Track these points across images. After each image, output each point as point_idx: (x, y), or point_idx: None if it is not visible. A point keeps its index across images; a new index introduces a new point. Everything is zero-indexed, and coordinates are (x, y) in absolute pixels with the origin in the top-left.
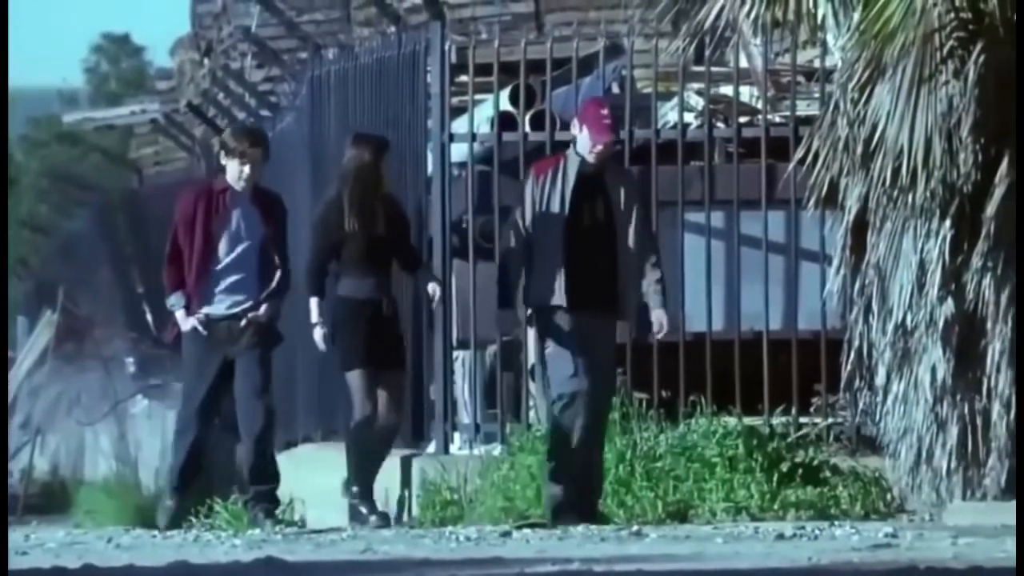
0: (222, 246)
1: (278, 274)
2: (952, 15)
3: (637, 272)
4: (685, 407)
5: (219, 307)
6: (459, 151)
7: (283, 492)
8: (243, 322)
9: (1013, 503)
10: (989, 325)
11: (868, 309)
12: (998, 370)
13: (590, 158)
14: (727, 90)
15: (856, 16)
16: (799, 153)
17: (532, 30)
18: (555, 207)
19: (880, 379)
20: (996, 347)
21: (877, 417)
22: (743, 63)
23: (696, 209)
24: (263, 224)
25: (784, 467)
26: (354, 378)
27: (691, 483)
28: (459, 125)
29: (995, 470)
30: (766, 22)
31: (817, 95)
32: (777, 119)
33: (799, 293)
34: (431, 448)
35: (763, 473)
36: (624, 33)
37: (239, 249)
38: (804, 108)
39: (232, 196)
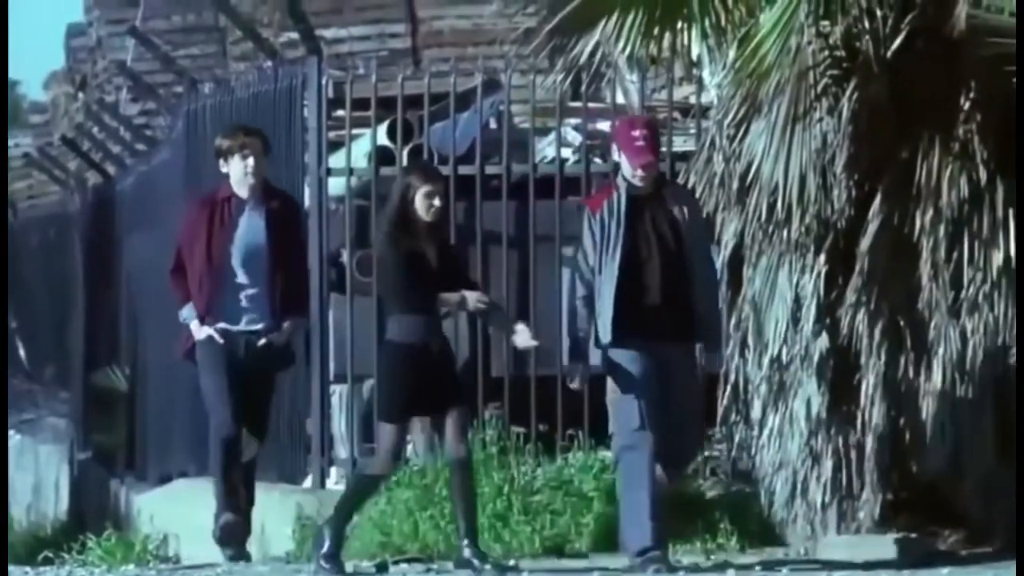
0: (234, 258)
1: (284, 285)
2: (826, 53)
3: (713, 293)
4: (563, 441)
5: (237, 322)
6: (336, 185)
7: (156, 529)
8: (262, 341)
9: (886, 536)
10: (863, 359)
11: (744, 343)
12: (872, 403)
13: (636, 181)
14: (604, 125)
15: (731, 54)
16: None
17: (409, 65)
18: (613, 240)
19: (756, 413)
20: (870, 380)
21: (753, 451)
22: (619, 99)
23: (574, 244)
24: (275, 230)
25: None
26: (384, 430)
27: (568, 517)
28: (336, 160)
29: (869, 503)
30: (642, 58)
31: (693, 131)
32: None
33: None
34: (307, 483)
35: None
36: (501, 69)
37: (250, 260)
38: (680, 144)
39: (237, 203)
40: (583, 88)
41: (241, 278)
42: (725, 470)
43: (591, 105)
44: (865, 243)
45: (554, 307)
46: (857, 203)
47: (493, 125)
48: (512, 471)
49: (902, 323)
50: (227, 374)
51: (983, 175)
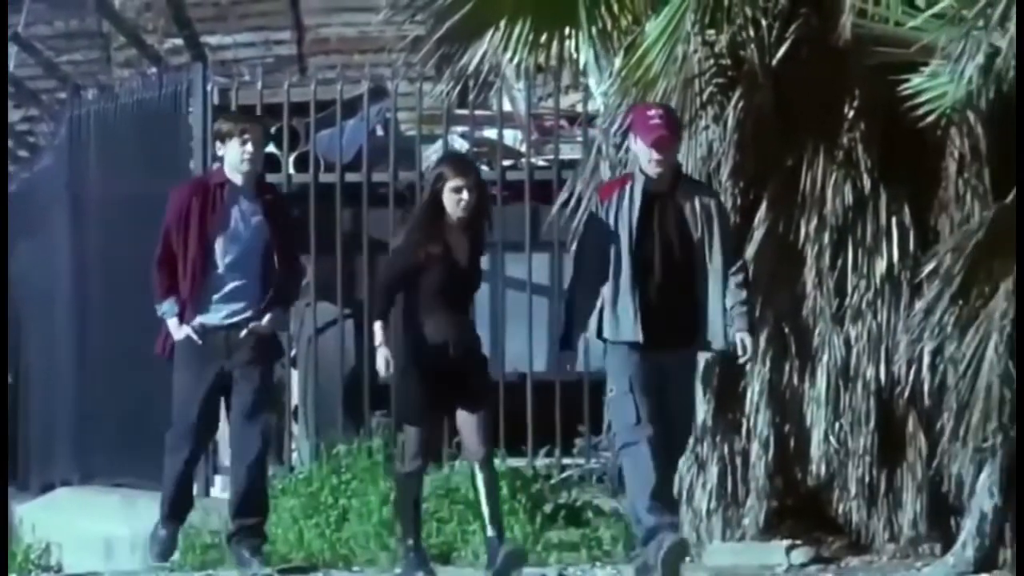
0: (219, 247)
1: (281, 279)
2: (712, 61)
3: (722, 296)
4: (449, 448)
5: (216, 315)
6: None
7: (38, 538)
8: (243, 332)
9: (772, 543)
10: (748, 366)
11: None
12: (757, 410)
13: (653, 173)
14: (491, 133)
15: (618, 62)
16: (562, 196)
17: (295, 72)
18: (623, 232)
19: None
20: (755, 387)
21: None
22: (507, 107)
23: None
24: (267, 222)
25: (547, 508)
26: (408, 431)
27: (455, 525)
28: None
29: (754, 510)
30: (529, 67)
31: (580, 139)
32: (540, 163)
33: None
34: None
35: (526, 515)
36: (388, 76)
37: (239, 251)
38: (567, 152)
39: (231, 191)
40: (470, 96)
41: (227, 269)
42: (612, 477)
43: (478, 113)
44: (750, 250)
45: None
46: (742, 211)
47: (380, 132)
48: None
49: (787, 330)
50: (202, 381)
51: (867, 183)
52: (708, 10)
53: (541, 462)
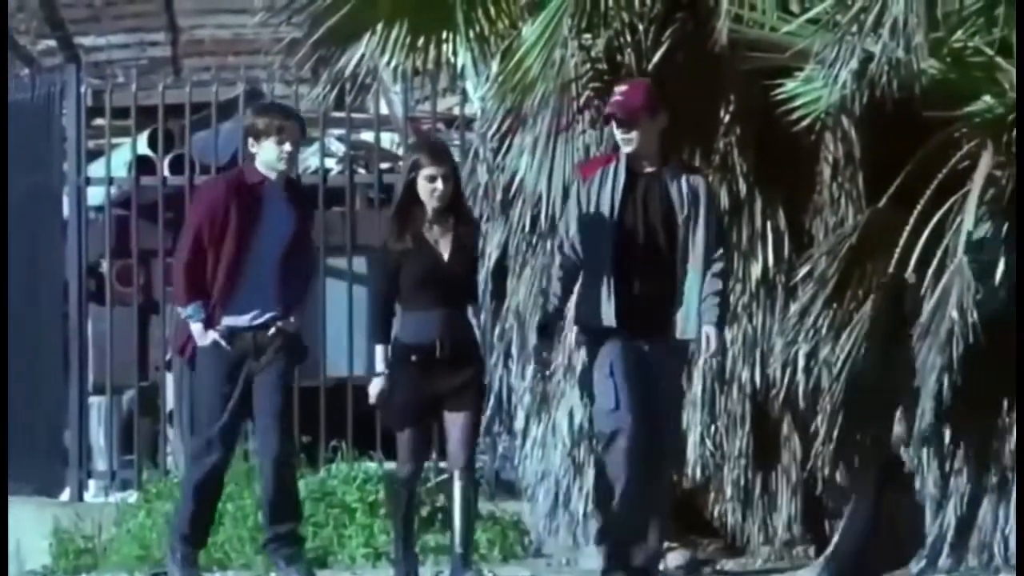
0: (254, 247)
1: (304, 277)
2: (588, 65)
3: (701, 283)
4: (326, 452)
5: (243, 317)
6: (96, 195)
7: None
8: (271, 332)
9: None
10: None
11: (508, 354)
12: None
13: (625, 151)
14: (368, 136)
15: (495, 66)
16: None
17: (170, 74)
18: (604, 213)
19: (519, 423)
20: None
21: (516, 461)
22: (384, 110)
23: (338, 254)
24: (293, 220)
25: (424, 512)
26: (400, 437)
27: (331, 529)
28: (96, 169)
29: (594, 514)
30: (406, 70)
31: (457, 143)
32: None
33: None
34: (65, 496)
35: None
36: (264, 79)
37: (270, 250)
38: None
39: (267, 189)
40: (347, 99)
41: (257, 269)
42: (488, 480)
43: (355, 116)
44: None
45: (318, 318)
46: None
47: None
48: None
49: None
50: (230, 384)
51: (742, 187)
52: (585, 14)
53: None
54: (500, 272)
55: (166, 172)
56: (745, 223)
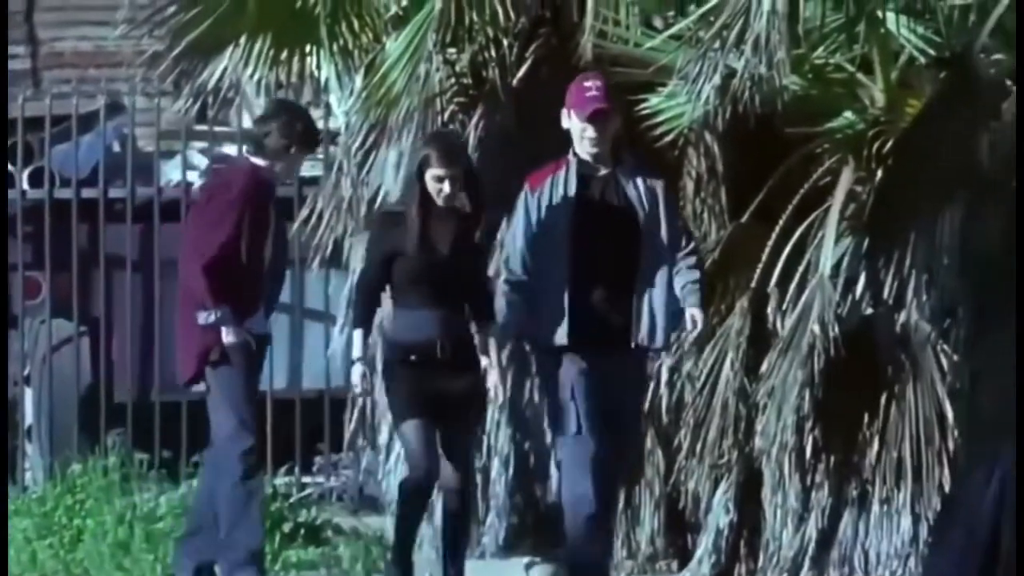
0: (267, 246)
1: (279, 278)
2: (453, 80)
3: (668, 288)
4: (187, 467)
5: (260, 321)
6: None
7: None
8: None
9: (511, 561)
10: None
11: (373, 368)
12: (498, 427)
13: (587, 152)
14: (231, 149)
15: (359, 80)
16: (303, 214)
17: (29, 86)
18: (558, 223)
19: (383, 438)
20: (495, 405)
21: (380, 476)
22: (247, 123)
23: None
24: (275, 216)
25: (287, 527)
26: (405, 431)
27: None
28: None
29: (494, 527)
30: (269, 83)
31: (321, 157)
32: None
33: (303, 352)
34: None
35: (266, 534)
36: (125, 91)
37: (273, 248)
38: (308, 169)
39: (273, 184)
40: (210, 112)
41: (268, 268)
42: (352, 495)
43: (217, 129)
44: (492, 267)
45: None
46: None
47: (117, 148)
48: (135, 498)
49: (527, 348)
50: (251, 382)
51: None
52: (449, 29)
53: (280, 480)
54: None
55: (25, 185)
56: None
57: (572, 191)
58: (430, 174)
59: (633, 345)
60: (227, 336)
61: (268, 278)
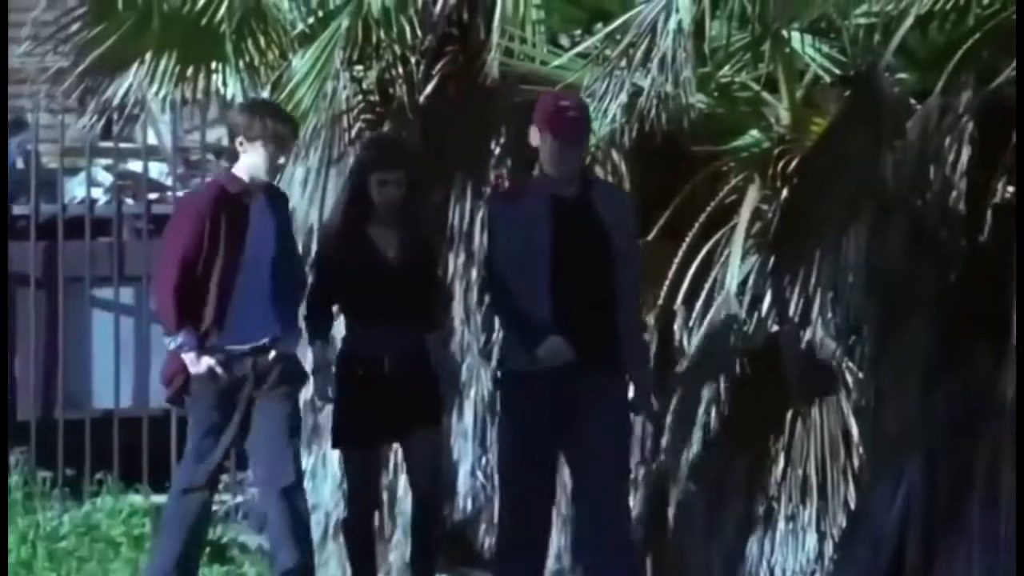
0: (246, 262)
1: (297, 291)
2: (361, 97)
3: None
4: (91, 485)
5: (239, 340)
6: None
7: None
8: (272, 354)
9: None
10: None
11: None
12: None
13: (558, 172)
14: (136, 166)
15: (266, 96)
16: None
17: None
18: (534, 243)
19: None
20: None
21: None
22: (152, 140)
23: (105, 285)
24: (275, 227)
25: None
26: (347, 462)
27: (95, 563)
28: None
29: (401, 545)
30: (175, 100)
31: None
32: None
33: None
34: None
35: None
36: (29, 108)
37: (259, 265)
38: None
39: (254, 197)
40: (115, 129)
41: (249, 287)
42: (257, 513)
43: (122, 146)
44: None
45: (84, 349)
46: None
47: (20, 165)
48: (37, 517)
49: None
50: (230, 415)
51: None
52: (356, 46)
53: (161, 499)
54: None
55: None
56: None
57: (543, 212)
58: (375, 179)
59: (614, 367)
60: (191, 366)
61: (275, 297)
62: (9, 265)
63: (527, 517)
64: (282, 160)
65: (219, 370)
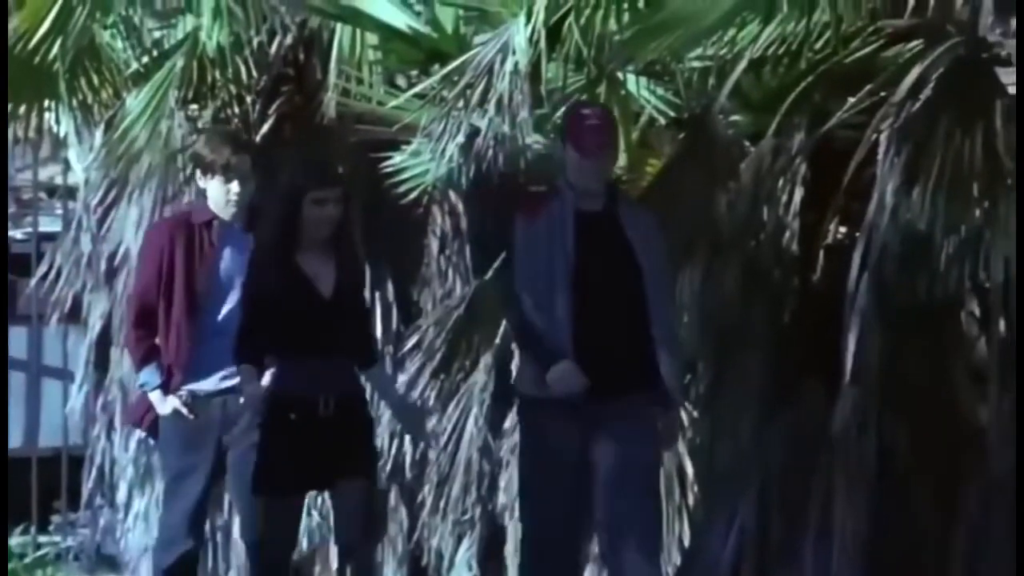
0: (212, 297)
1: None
2: (195, 136)
3: (673, 336)
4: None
5: (209, 380)
6: None
7: None
8: (242, 399)
9: None
10: None
11: (111, 425)
12: None
13: (585, 186)
14: None
15: (99, 135)
16: (41, 269)
17: None
18: (555, 260)
19: (122, 496)
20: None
21: (118, 535)
22: None
23: None
24: (247, 263)
25: None
26: (267, 508)
27: None
28: None
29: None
30: (7, 138)
31: (60, 212)
32: (19, 235)
33: (41, 409)
34: None
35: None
36: None
37: (232, 300)
38: (47, 224)
39: (220, 228)
40: None
41: (221, 322)
42: (89, 555)
43: None
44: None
45: None
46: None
47: None
48: None
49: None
50: (201, 460)
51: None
52: (191, 86)
53: (16, 540)
54: (105, 343)
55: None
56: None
57: (570, 226)
58: (310, 198)
59: (642, 393)
60: (157, 406)
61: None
62: None
63: (549, 556)
64: (235, 190)
65: (184, 410)
